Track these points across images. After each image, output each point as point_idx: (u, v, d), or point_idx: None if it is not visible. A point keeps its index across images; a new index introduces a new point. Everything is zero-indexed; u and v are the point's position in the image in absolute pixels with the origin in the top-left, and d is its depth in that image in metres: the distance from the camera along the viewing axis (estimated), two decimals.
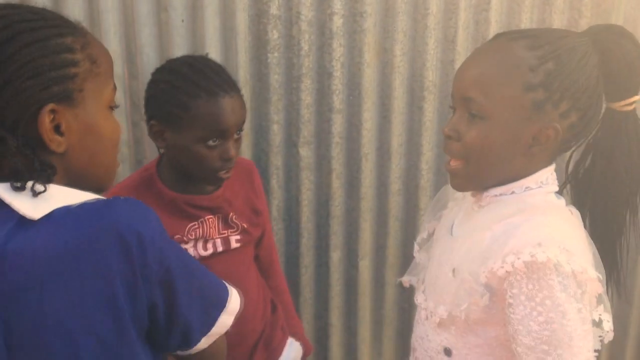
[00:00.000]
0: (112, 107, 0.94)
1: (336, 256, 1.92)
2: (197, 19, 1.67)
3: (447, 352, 1.13)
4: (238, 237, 1.43)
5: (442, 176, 1.89)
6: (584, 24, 1.79)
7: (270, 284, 1.60)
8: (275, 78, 1.74)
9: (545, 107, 1.01)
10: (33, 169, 0.84)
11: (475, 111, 1.04)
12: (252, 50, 1.73)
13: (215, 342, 0.98)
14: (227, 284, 1.00)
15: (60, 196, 0.85)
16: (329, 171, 1.83)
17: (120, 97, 1.54)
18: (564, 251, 0.96)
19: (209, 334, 0.95)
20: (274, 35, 1.71)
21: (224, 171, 1.32)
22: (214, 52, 1.69)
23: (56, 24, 0.87)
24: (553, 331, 0.95)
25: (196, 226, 1.37)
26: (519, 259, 0.97)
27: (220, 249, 1.41)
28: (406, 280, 1.37)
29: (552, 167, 1.09)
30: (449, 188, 1.31)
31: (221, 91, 1.28)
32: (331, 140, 1.80)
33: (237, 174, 1.43)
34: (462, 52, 1.77)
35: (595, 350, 1.01)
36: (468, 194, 1.16)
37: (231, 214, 1.42)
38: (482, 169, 1.07)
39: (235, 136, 1.33)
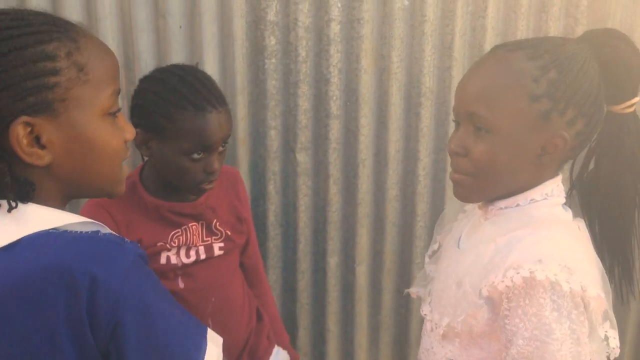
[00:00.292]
0: (111, 113, 0.89)
1: (333, 262, 1.92)
2: (194, 26, 1.68)
3: None
4: (221, 244, 1.42)
5: (439, 182, 1.90)
6: (580, 31, 1.79)
7: (256, 293, 1.59)
8: (273, 84, 1.75)
9: (551, 116, 1.00)
10: (4, 184, 0.80)
11: (481, 125, 1.03)
12: (249, 57, 1.73)
13: None
14: (206, 338, 0.88)
15: (36, 219, 0.82)
16: (326, 177, 1.84)
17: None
18: (565, 269, 0.95)
19: None
20: (272, 41, 1.72)
21: (207, 183, 1.32)
22: (211, 59, 1.70)
23: (41, 30, 0.83)
24: (536, 348, 0.95)
25: (179, 233, 1.37)
26: (518, 273, 0.96)
27: (203, 256, 1.40)
28: (414, 291, 1.35)
29: (559, 178, 1.09)
30: (458, 200, 1.31)
31: (209, 105, 1.27)
32: (328, 146, 1.81)
33: (222, 181, 1.43)
34: (458, 59, 1.78)
35: None
36: (477, 206, 1.16)
37: (215, 221, 1.41)
38: (489, 182, 1.06)
39: (220, 149, 1.33)
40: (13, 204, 0.80)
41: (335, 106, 1.77)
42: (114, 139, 0.90)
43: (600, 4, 1.79)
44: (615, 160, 1.09)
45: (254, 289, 1.59)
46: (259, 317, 1.57)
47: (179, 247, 1.37)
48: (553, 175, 1.08)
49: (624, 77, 1.05)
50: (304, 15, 1.70)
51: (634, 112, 1.08)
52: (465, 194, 1.11)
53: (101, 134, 0.87)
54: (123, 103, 1.69)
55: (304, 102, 1.77)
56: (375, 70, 1.78)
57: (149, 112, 1.28)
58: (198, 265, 1.40)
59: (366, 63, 1.75)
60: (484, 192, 1.09)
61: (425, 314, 1.20)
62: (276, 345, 1.59)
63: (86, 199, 1.35)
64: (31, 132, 0.81)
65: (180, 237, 1.37)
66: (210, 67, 1.70)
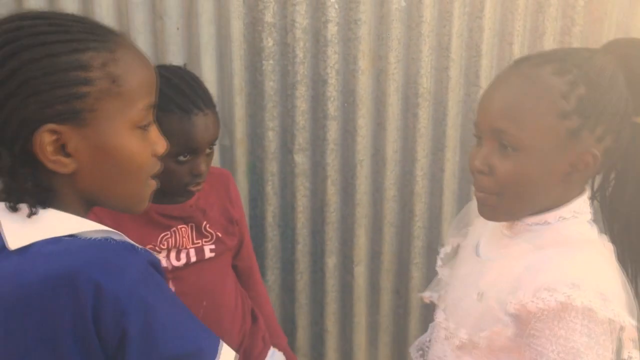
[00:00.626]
0: (142, 126, 0.88)
1: (331, 262, 1.92)
2: (192, 27, 1.68)
3: None
4: (212, 246, 1.41)
5: (437, 182, 1.90)
6: (576, 32, 1.81)
7: (251, 294, 1.58)
8: (270, 85, 1.75)
9: (582, 133, 0.97)
10: (25, 189, 0.80)
11: (508, 143, 0.99)
12: (247, 58, 1.74)
13: None
14: (218, 350, 0.87)
15: (52, 224, 0.82)
16: (324, 178, 1.84)
17: None
18: (599, 295, 0.94)
19: None
20: (269, 42, 1.72)
21: (194, 185, 1.31)
22: (208, 60, 1.70)
23: (77, 38, 0.81)
24: None
25: (168, 236, 1.36)
26: (552, 296, 0.94)
27: (193, 259, 1.39)
28: (427, 296, 1.32)
29: (586, 194, 1.07)
30: (474, 204, 1.29)
31: (195, 108, 1.27)
32: (326, 147, 1.81)
33: (213, 183, 1.42)
34: (456, 60, 1.79)
35: None
36: None
37: (205, 223, 1.40)
38: (517, 202, 1.03)
39: (208, 151, 1.32)
40: (34, 210, 0.80)
41: (332, 107, 1.78)
42: (142, 153, 0.88)
43: (596, 4, 1.80)
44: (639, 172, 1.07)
45: (249, 291, 1.58)
46: (254, 319, 1.56)
47: (168, 250, 1.36)
48: (581, 191, 1.06)
49: None
50: (301, 16, 1.70)
51: None
52: (492, 214, 1.08)
53: (128, 147, 0.86)
54: None
55: (302, 103, 1.77)
56: (373, 71, 1.79)
57: None
58: (189, 268, 1.39)
59: (363, 64, 1.75)
60: (511, 211, 1.06)
61: (439, 322, 1.17)
62: (272, 347, 1.58)
63: None
64: (57, 139, 0.81)
65: (170, 240, 1.36)
66: (208, 68, 1.70)
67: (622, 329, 0.97)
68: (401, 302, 2.02)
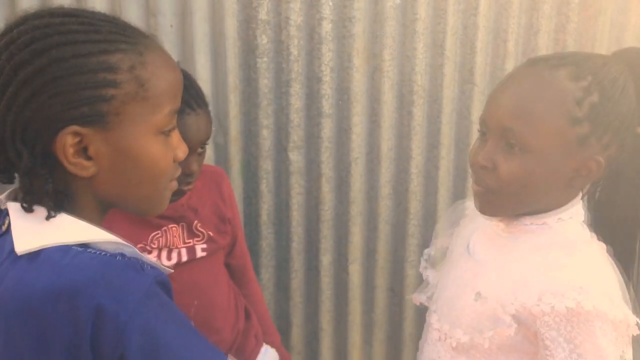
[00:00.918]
0: (165, 132, 0.86)
1: (326, 260, 1.92)
2: (186, 25, 1.67)
3: None
4: (204, 245, 1.40)
5: (432, 180, 1.90)
6: (571, 29, 1.81)
7: (245, 292, 1.58)
8: (265, 83, 1.75)
9: (590, 140, 0.98)
10: (44, 191, 0.79)
11: (515, 142, 0.99)
12: (241, 55, 1.73)
13: None
14: None
15: (63, 231, 0.80)
16: (319, 175, 1.84)
17: None
18: (606, 298, 0.96)
19: None
20: (263, 40, 1.71)
21: (185, 184, 1.30)
22: (203, 58, 1.69)
23: (107, 39, 0.79)
24: None
25: (159, 235, 1.35)
26: (560, 302, 0.95)
27: (185, 258, 1.38)
28: (418, 298, 1.32)
29: (579, 196, 1.08)
30: (460, 204, 1.29)
31: (187, 107, 1.25)
32: (321, 145, 1.81)
33: (205, 181, 1.41)
34: (450, 57, 1.78)
35: None
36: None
37: (196, 222, 1.39)
38: (516, 201, 1.04)
39: (199, 150, 1.31)
40: (52, 213, 0.79)
41: (327, 105, 1.77)
42: (163, 159, 0.87)
43: (591, 1, 1.80)
44: (632, 181, 1.08)
45: (242, 289, 1.58)
46: (247, 316, 1.55)
47: (159, 250, 1.36)
48: (576, 194, 1.07)
49: None
50: (295, 13, 1.69)
51: None
52: (490, 210, 1.08)
53: (150, 152, 0.84)
54: None
55: (296, 101, 1.76)
56: (367, 68, 1.78)
57: None
58: (180, 267, 1.37)
59: (358, 61, 1.75)
60: (508, 209, 1.06)
61: (431, 323, 1.17)
62: (265, 344, 1.58)
63: None
64: (79, 142, 0.79)
65: (160, 239, 1.35)
66: (202, 66, 1.70)
67: (627, 328, 0.98)
68: (396, 300, 2.01)
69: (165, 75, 0.84)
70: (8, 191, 0.87)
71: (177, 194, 1.33)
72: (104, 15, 0.84)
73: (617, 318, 0.96)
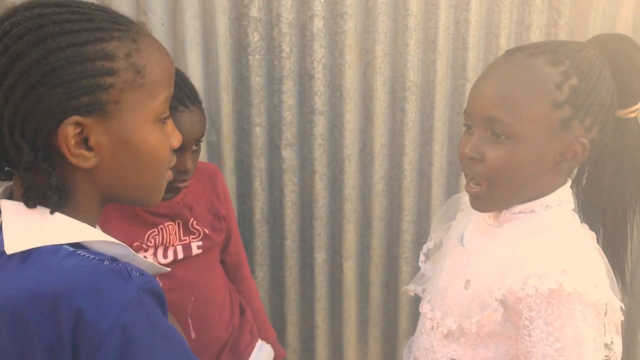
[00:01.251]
0: (162, 119, 0.86)
1: (320, 258, 1.92)
2: (176, 22, 1.67)
3: None
4: (200, 243, 1.41)
5: (425, 176, 1.90)
6: (563, 24, 1.81)
7: (240, 289, 1.58)
8: (257, 80, 1.74)
9: (572, 123, 0.99)
10: (49, 186, 0.77)
11: (501, 131, 1.00)
12: (232, 53, 1.72)
13: None
14: None
15: (55, 231, 0.79)
16: (312, 173, 1.83)
17: None
18: (589, 280, 0.96)
19: None
20: (255, 37, 1.71)
21: (180, 182, 1.31)
22: (194, 55, 1.68)
23: (102, 27, 0.78)
24: (568, 358, 0.95)
25: (155, 233, 1.35)
26: (542, 283, 0.96)
27: (181, 255, 1.39)
28: (411, 289, 1.34)
29: (568, 183, 1.09)
30: (456, 198, 1.29)
31: (180, 105, 1.26)
32: (313, 142, 1.80)
33: (200, 179, 1.42)
34: (442, 53, 1.78)
35: None
36: None
37: (192, 219, 1.40)
38: (507, 190, 1.05)
39: (194, 148, 1.31)
40: (55, 209, 0.78)
41: (320, 102, 1.77)
42: (162, 146, 0.87)
43: None
44: (619, 163, 1.09)
45: (237, 286, 1.58)
46: (242, 312, 1.55)
47: (155, 247, 1.36)
48: (565, 181, 1.08)
49: (631, 83, 1.05)
50: (286, 10, 1.69)
51: (636, 117, 1.09)
52: (485, 206, 1.09)
53: (149, 140, 0.84)
54: None
55: (289, 98, 1.76)
56: (360, 65, 1.78)
57: None
58: (176, 264, 1.38)
59: (350, 58, 1.75)
60: (502, 201, 1.07)
61: (424, 312, 1.18)
62: (259, 340, 1.58)
63: None
64: (80, 132, 0.78)
65: (157, 237, 1.36)
66: (194, 64, 1.69)
67: (606, 313, 0.99)
68: (391, 297, 2.01)
69: (159, 61, 0.84)
70: (2, 189, 0.86)
71: (173, 191, 1.33)
72: (94, 4, 0.83)
73: (600, 302, 0.96)
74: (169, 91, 0.86)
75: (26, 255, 0.77)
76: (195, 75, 1.68)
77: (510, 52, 1.06)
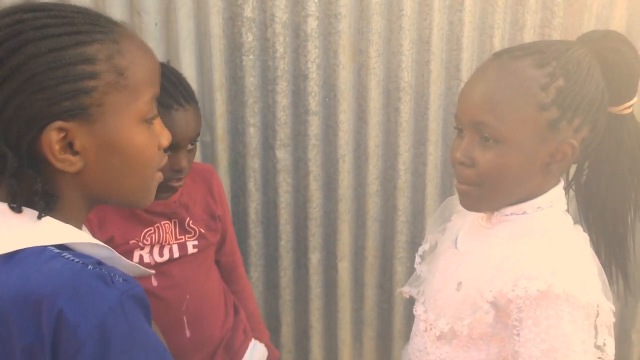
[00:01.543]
0: (148, 119, 0.85)
1: (315, 258, 1.92)
2: (170, 22, 1.66)
3: None
4: (195, 242, 1.42)
5: (420, 176, 1.90)
6: (557, 24, 1.81)
7: (234, 289, 1.59)
8: (251, 81, 1.74)
9: (560, 125, 0.99)
10: (34, 192, 0.77)
11: (489, 135, 1.00)
12: (226, 53, 1.72)
13: None
14: None
15: (41, 232, 0.78)
16: (306, 173, 1.83)
17: None
18: (579, 282, 0.96)
19: None
20: (249, 37, 1.70)
21: (175, 181, 1.31)
22: (188, 56, 1.68)
23: (82, 30, 0.78)
24: (554, 359, 0.95)
25: (152, 231, 1.36)
26: (533, 286, 0.96)
27: (176, 254, 1.39)
28: (406, 291, 1.34)
29: (561, 184, 1.09)
30: (452, 200, 1.29)
31: (175, 103, 1.26)
32: (308, 143, 1.80)
33: (195, 179, 1.43)
34: (436, 53, 1.78)
35: None
36: None
37: (188, 219, 1.40)
38: (497, 192, 1.05)
39: (189, 147, 1.32)
40: (43, 214, 0.78)
41: (314, 102, 1.77)
42: (149, 147, 0.86)
43: None
44: (615, 160, 1.09)
45: (232, 286, 1.58)
46: (236, 311, 1.56)
47: (151, 246, 1.37)
48: (557, 182, 1.08)
49: (624, 79, 1.04)
50: (280, 11, 1.69)
51: (632, 112, 1.08)
52: (474, 206, 1.09)
53: (135, 141, 0.83)
54: None
55: (283, 99, 1.76)
56: (354, 65, 1.78)
57: None
58: (172, 264, 1.39)
59: (344, 58, 1.75)
60: (492, 202, 1.07)
61: (418, 314, 1.18)
62: (253, 339, 1.58)
63: None
64: (64, 137, 0.78)
65: (153, 236, 1.36)
66: (187, 64, 1.69)
67: (597, 315, 0.98)
68: (385, 297, 2.01)
69: (142, 61, 0.83)
70: None
71: (168, 190, 1.34)
72: (74, 6, 0.83)
73: (590, 304, 0.96)
74: (154, 91, 0.86)
75: (11, 256, 0.77)
76: (189, 76, 1.68)
77: (497, 55, 1.06)
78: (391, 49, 1.78)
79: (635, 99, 1.07)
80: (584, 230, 1.13)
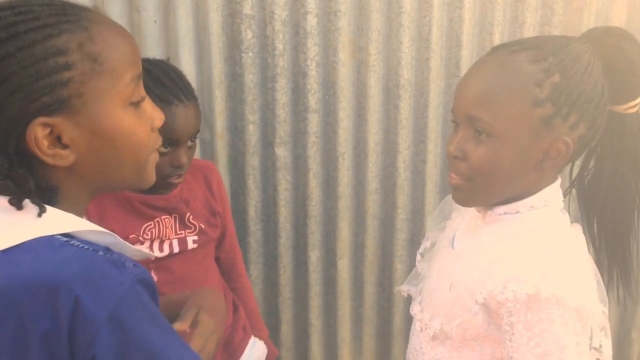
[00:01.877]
0: (134, 102, 0.84)
1: (314, 256, 1.92)
2: (169, 20, 1.66)
3: None
4: (195, 237, 1.42)
5: (420, 174, 1.90)
6: (556, 22, 1.81)
7: (234, 286, 1.59)
8: (250, 78, 1.74)
9: (554, 121, 0.98)
10: (27, 190, 0.77)
11: (482, 129, 1.00)
12: (226, 50, 1.72)
13: None
14: None
15: (46, 223, 0.78)
16: (306, 171, 1.83)
17: None
18: (569, 284, 0.95)
19: None
20: (248, 35, 1.70)
21: (175, 177, 1.32)
22: (187, 53, 1.68)
23: (49, 23, 0.77)
24: None
25: (152, 226, 1.37)
26: (521, 289, 0.95)
27: (176, 249, 1.40)
28: (404, 289, 1.33)
29: (558, 182, 1.07)
30: (451, 197, 1.30)
31: (175, 100, 1.27)
32: (307, 140, 1.80)
33: (195, 175, 1.43)
34: (436, 50, 1.78)
35: None
36: (475, 209, 1.14)
37: (188, 214, 1.41)
38: (489, 187, 1.04)
39: (189, 143, 1.32)
40: (42, 209, 0.78)
41: (313, 100, 1.77)
42: (139, 129, 0.85)
43: None
44: (618, 160, 1.07)
45: (232, 283, 1.59)
46: (235, 308, 1.56)
47: (152, 240, 1.37)
48: (553, 180, 1.06)
49: (628, 78, 1.02)
50: (280, 8, 1.69)
51: (637, 112, 1.06)
52: (465, 199, 1.09)
53: (124, 125, 0.83)
54: None
55: (282, 96, 1.76)
56: (353, 62, 1.78)
57: None
58: (172, 259, 1.40)
59: (344, 56, 1.74)
60: (483, 197, 1.06)
61: (414, 313, 1.18)
62: (253, 337, 1.58)
63: None
64: (51, 132, 0.77)
65: (153, 230, 1.37)
66: (186, 61, 1.69)
67: (592, 316, 0.97)
68: (385, 295, 2.01)
69: (116, 44, 0.82)
70: None
71: (168, 186, 1.35)
72: (39, 0, 0.81)
73: (582, 306, 0.94)
74: (134, 71, 0.84)
75: (17, 247, 0.77)
76: (188, 73, 1.67)
77: (494, 50, 1.05)
78: (391, 46, 1.77)
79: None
80: (584, 230, 1.12)
